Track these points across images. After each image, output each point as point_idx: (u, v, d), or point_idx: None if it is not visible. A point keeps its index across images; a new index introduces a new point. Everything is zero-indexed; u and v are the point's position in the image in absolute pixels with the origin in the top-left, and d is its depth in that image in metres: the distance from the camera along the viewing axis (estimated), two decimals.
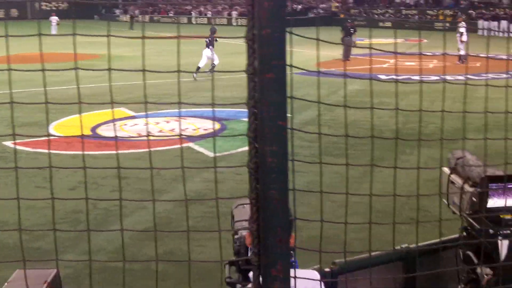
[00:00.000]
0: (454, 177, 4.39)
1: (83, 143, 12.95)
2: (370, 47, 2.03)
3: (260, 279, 1.87)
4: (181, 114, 16.68)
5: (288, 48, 1.82)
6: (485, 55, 25.75)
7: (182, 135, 15.32)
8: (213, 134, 14.63)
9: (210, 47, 25.09)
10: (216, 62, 25.03)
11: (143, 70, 1.87)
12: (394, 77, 23.31)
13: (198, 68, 24.58)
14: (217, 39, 25.17)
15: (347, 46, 29.94)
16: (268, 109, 1.76)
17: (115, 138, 14.46)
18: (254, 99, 1.78)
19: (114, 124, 15.58)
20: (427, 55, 29.01)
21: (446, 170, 4.49)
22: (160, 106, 17.13)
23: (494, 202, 3.95)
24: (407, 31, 43.45)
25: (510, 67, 26.15)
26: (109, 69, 1.82)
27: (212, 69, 24.08)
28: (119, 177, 2.03)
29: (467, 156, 4.39)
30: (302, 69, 1.99)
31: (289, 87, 1.87)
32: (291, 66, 1.77)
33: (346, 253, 2.37)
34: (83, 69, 1.84)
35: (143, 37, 1.89)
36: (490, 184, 3.94)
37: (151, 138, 14.73)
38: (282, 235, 1.80)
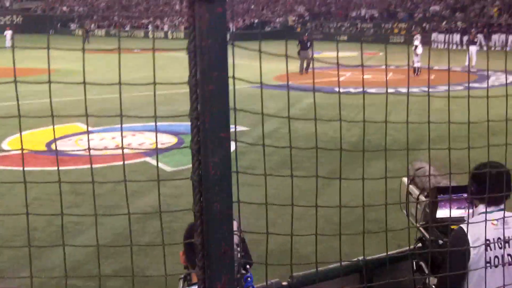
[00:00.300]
0: (412, 188, 4.42)
1: (23, 158, 12.80)
2: (315, 59, 2.04)
3: None
4: (138, 129, 16.56)
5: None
6: (440, 68, 26.27)
7: (129, 148, 15.21)
8: (157, 149, 14.55)
9: None
10: None
11: (84, 83, 1.85)
12: (351, 90, 23.61)
13: None
14: None
15: (303, 59, 30.37)
16: (210, 120, 1.75)
17: (55, 152, 14.38)
18: (197, 111, 1.77)
19: (55, 141, 15.41)
20: (373, 68, 29.41)
21: (405, 181, 4.52)
22: (116, 121, 16.98)
23: (444, 212, 4.00)
24: (363, 44, 44.02)
25: (460, 79, 26.69)
26: (49, 82, 1.80)
27: None
28: (60, 193, 1.99)
29: (426, 167, 4.42)
30: (244, 80, 1.99)
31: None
32: (233, 78, 1.77)
33: (300, 265, 2.37)
34: (21, 82, 1.81)
35: (83, 50, 1.87)
36: (440, 195, 3.99)
37: (98, 153, 14.56)
38: (226, 247, 1.79)
